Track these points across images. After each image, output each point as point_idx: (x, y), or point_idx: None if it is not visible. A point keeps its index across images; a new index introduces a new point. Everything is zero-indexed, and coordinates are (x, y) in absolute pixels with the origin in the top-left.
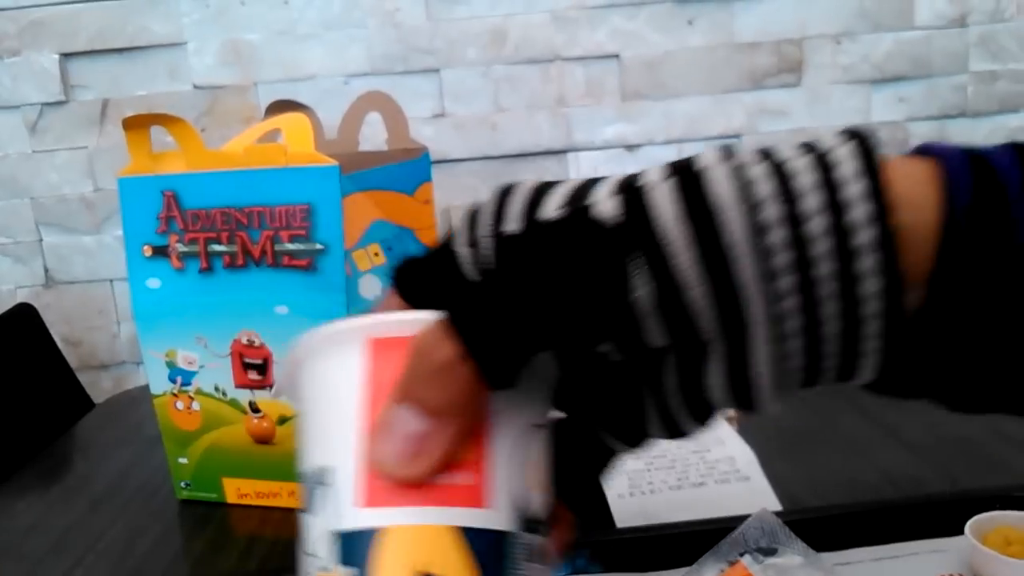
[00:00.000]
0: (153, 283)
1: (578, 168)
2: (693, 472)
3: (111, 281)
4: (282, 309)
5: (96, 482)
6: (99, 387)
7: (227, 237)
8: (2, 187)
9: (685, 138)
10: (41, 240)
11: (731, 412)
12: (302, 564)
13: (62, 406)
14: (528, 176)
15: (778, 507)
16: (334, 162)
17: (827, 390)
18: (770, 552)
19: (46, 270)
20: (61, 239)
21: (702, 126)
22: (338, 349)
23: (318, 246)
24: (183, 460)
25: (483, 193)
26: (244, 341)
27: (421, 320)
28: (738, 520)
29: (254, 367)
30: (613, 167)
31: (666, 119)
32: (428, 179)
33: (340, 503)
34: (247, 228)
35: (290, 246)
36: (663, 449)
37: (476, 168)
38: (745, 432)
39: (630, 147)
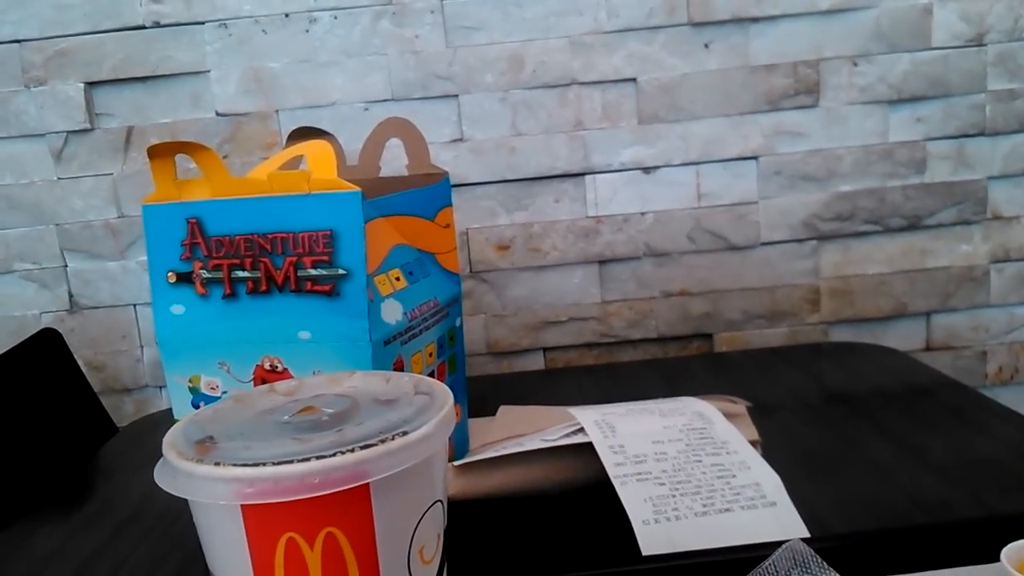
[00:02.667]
0: (177, 309)
1: (596, 190)
2: (719, 498)
3: (135, 306)
4: (305, 335)
5: (119, 507)
6: (122, 411)
7: (251, 263)
8: (28, 214)
9: (702, 159)
10: (66, 266)
11: (755, 436)
12: None
13: (86, 430)
14: (545, 199)
15: (806, 534)
16: (357, 188)
17: (851, 412)
18: None
19: (71, 295)
20: (86, 265)
21: (719, 148)
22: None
23: (341, 271)
24: None
25: (501, 216)
26: (267, 367)
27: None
28: (767, 548)
29: None
30: (630, 189)
31: (683, 141)
32: (449, 204)
33: None
34: (270, 254)
35: (313, 272)
36: (688, 474)
37: (494, 191)
38: (769, 456)
39: (647, 169)
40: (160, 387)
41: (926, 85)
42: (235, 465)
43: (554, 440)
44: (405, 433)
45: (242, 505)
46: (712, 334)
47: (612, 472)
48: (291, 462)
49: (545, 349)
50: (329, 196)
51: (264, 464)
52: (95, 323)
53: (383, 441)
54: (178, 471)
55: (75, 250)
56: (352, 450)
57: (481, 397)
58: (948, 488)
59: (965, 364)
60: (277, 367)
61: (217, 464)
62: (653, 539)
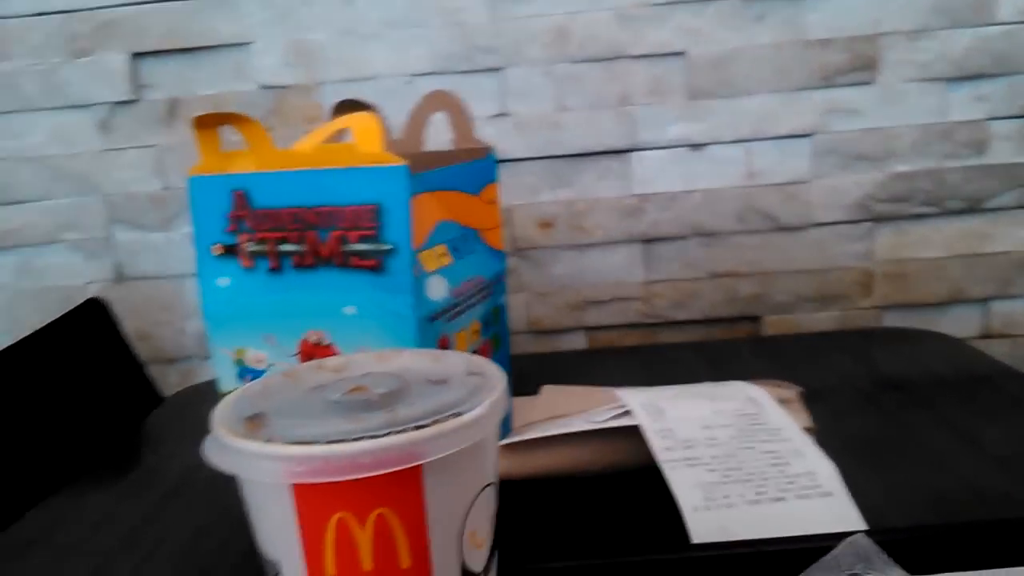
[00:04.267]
0: (223, 282)
1: (642, 167)
2: (772, 486)
3: (180, 277)
4: (350, 309)
5: (165, 477)
6: (166, 381)
7: (296, 237)
8: (74, 184)
9: (753, 137)
10: (111, 237)
11: (809, 423)
12: None
13: (132, 399)
14: (590, 176)
15: (863, 526)
16: (404, 162)
17: (906, 400)
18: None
19: (117, 266)
20: (131, 235)
21: (770, 125)
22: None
23: (386, 247)
24: None
25: (544, 193)
26: (312, 341)
27: (343, 457)
28: (822, 539)
29: None
30: (678, 167)
31: (733, 117)
32: (494, 179)
33: None
34: (316, 228)
35: (358, 246)
36: (739, 461)
37: (538, 168)
38: (822, 444)
39: (695, 146)
40: (204, 358)
41: (989, 62)
42: (286, 443)
43: (601, 422)
44: (458, 414)
45: (293, 484)
46: (760, 316)
47: (661, 456)
48: (343, 442)
49: (587, 328)
50: (375, 170)
51: (315, 443)
52: (140, 294)
53: (436, 422)
54: (228, 447)
55: (121, 221)
56: (404, 431)
57: (523, 376)
58: (1009, 480)
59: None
60: (323, 341)
61: (268, 441)
62: (704, 526)
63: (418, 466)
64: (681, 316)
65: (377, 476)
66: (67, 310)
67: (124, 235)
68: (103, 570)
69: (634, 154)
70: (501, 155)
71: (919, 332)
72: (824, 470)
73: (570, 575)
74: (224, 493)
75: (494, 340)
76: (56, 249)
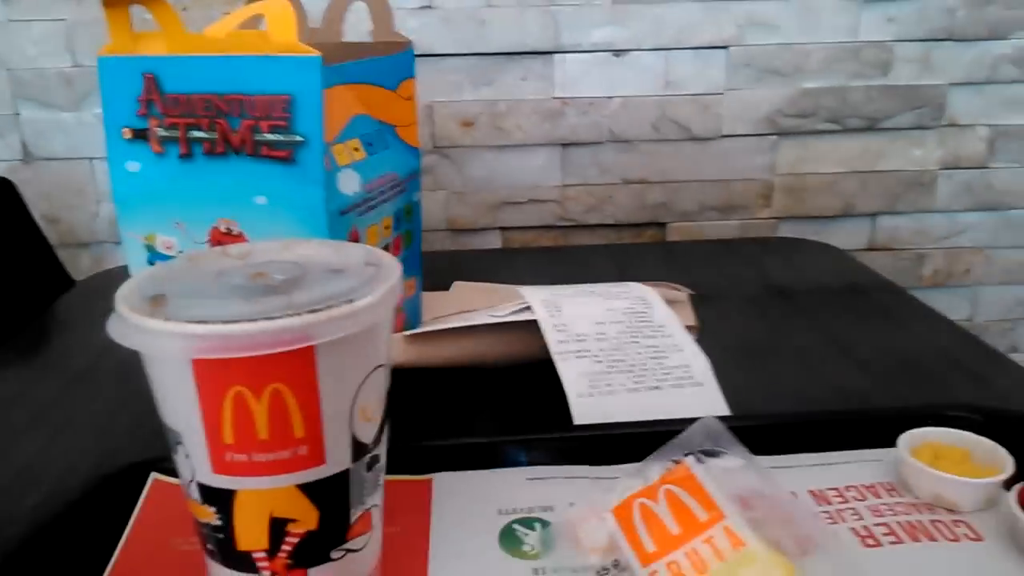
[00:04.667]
0: (133, 166)
1: (564, 70)
2: (650, 376)
3: (91, 160)
4: (261, 199)
5: (76, 359)
6: (78, 265)
7: (207, 124)
8: None
9: (673, 46)
10: (18, 114)
11: (693, 322)
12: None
13: (42, 282)
14: (513, 76)
15: (727, 412)
16: (317, 53)
17: (788, 306)
18: (712, 454)
19: (23, 145)
20: (39, 114)
21: (691, 35)
22: (170, 355)
23: (297, 138)
24: None
25: (467, 91)
26: (223, 229)
27: (241, 336)
28: (688, 424)
29: None
30: (599, 71)
31: (655, 25)
32: (411, 75)
33: (196, 464)
34: (227, 116)
35: (270, 136)
36: (624, 354)
37: (461, 65)
38: (705, 342)
39: (617, 51)
40: (118, 243)
41: None
42: (187, 322)
43: (502, 316)
44: (351, 301)
45: (192, 360)
46: (666, 223)
47: (554, 348)
48: (241, 322)
49: (503, 228)
50: (288, 60)
51: (214, 322)
52: (51, 175)
53: (329, 307)
54: (130, 325)
55: (28, 98)
56: (299, 314)
57: (438, 272)
58: (868, 381)
59: (903, 266)
60: (233, 230)
61: (168, 320)
62: (586, 410)
63: (311, 347)
64: (593, 220)
65: (272, 355)
66: None
67: (31, 113)
68: (11, 450)
69: (557, 56)
70: (424, 50)
71: (810, 243)
72: (698, 363)
73: (462, 452)
74: (133, 375)
75: (406, 236)
76: None
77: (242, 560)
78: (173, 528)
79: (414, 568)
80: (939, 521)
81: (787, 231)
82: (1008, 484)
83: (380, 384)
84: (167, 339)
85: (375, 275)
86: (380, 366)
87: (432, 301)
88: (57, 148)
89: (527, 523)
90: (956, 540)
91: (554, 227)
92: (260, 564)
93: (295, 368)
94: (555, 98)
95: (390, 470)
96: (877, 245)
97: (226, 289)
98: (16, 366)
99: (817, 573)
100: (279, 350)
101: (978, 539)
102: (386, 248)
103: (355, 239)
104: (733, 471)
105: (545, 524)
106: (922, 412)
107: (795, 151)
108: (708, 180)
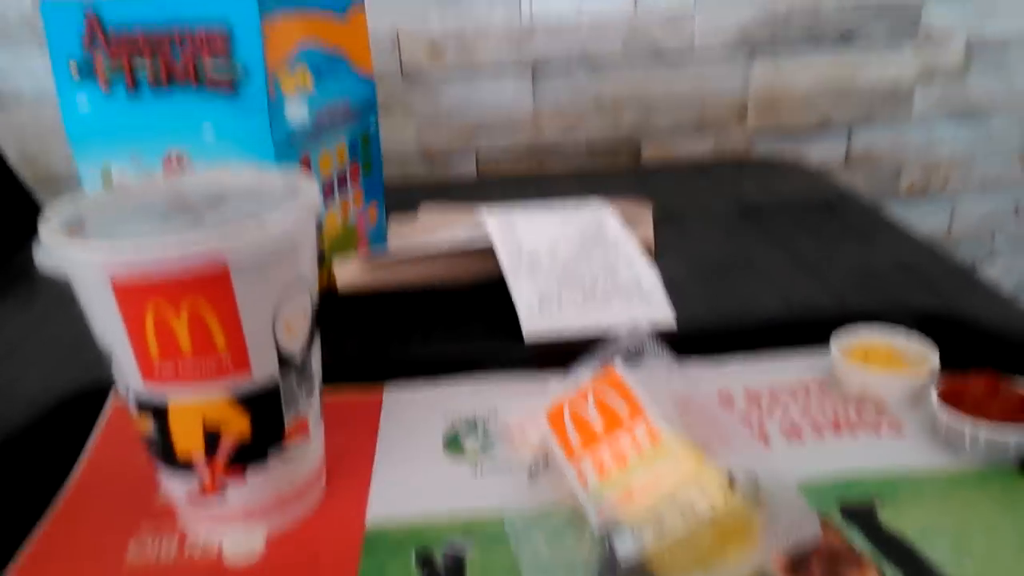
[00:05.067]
0: (84, 105)
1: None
2: (599, 290)
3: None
4: (208, 129)
5: (50, 291)
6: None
7: (150, 56)
8: None
9: None
10: None
11: (650, 235)
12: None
13: (19, 221)
14: (480, 2)
15: (672, 323)
16: None
17: (753, 225)
18: (638, 357)
19: None
20: (5, 57)
21: None
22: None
23: (239, 67)
24: None
25: (434, 17)
26: (174, 160)
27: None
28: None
29: None
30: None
31: None
32: (361, 0)
33: (129, 378)
34: (170, 47)
35: (211, 67)
36: (576, 269)
37: None
38: (666, 260)
39: None
40: None
41: None
42: (103, 245)
43: (458, 242)
44: (263, 220)
45: (111, 279)
46: (640, 144)
47: (507, 268)
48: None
49: (477, 156)
50: None
51: (129, 243)
52: (23, 116)
53: (243, 227)
54: (51, 250)
55: None
56: (208, 232)
57: (412, 202)
58: (819, 292)
59: (880, 177)
60: (184, 160)
61: (84, 241)
62: (535, 325)
63: (225, 263)
64: (568, 143)
65: (188, 271)
66: None
67: None
68: None
69: None
70: None
71: (784, 164)
72: (647, 277)
73: (414, 364)
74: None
75: (365, 166)
76: None
77: (182, 464)
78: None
79: (358, 471)
80: (864, 416)
81: (763, 148)
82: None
83: (304, 299)
84: (84, 259)
85: (292, 197)
86: (301, 281)
87: (399, 227)
88: (27, 90)
89: (469, 429)
90: (878, 434)
91: (528, 152)
92: (199, 465)
93: (211, 285)
94: (523, 23)
95: (348, 380)
96: (855, 158)
97: (143, 214)
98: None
99: (728, 463)
100: (190, 265)
101: (899, 432)
102: (343, 176)
103: (307, 167)
104: (656, 372)
105: (486, 430)
106: (859, 314)
107: (769, 67)
108: (682, 99)
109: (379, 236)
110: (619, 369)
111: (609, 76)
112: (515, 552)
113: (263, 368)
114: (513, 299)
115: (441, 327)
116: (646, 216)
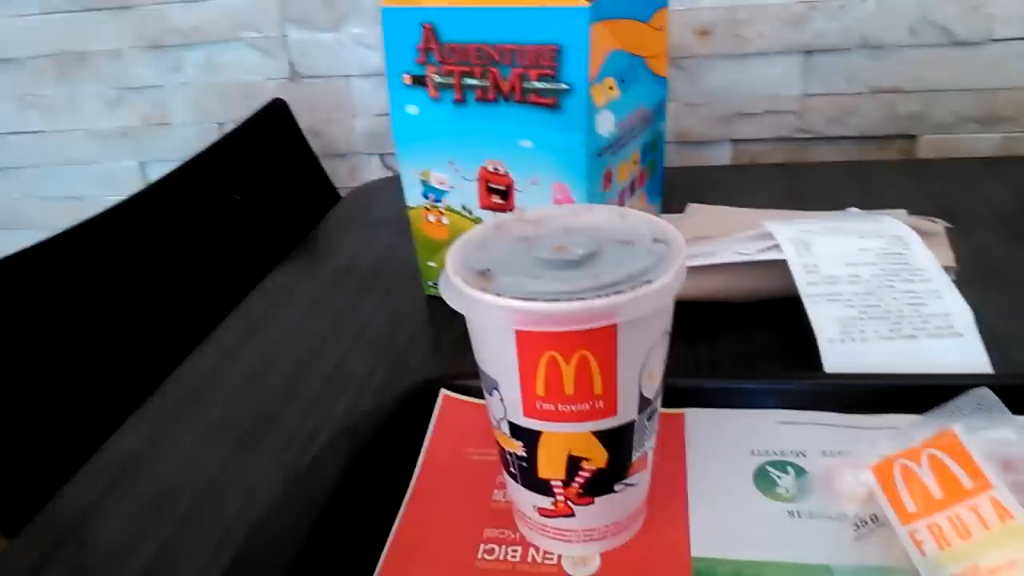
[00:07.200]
0: (412, 109)
1: None
2: (906, 324)
3: (347, 77)
4: (526, 143)
5: (360, 268)
6: (336, 174)
7: (480, 72)
8: None
9: None
10: (286, 36)
11: (951, 262)
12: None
13: (313, 193)
14: None
15: (989, 370)
16: (585, 3)
17: None
18: (983, 426)
19: (291, 64)
20: (304, 35)
21: None
22: (496, 324)
23: (564, 86)
24: (432, 264)
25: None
26: (490, 168)
27: (560, 314)
28: (950, 378)
29: (498, 192)
30: None
31: None
32: (665, 4)
33: (509, 407)
34: (499, 64)
35: (537, 84)
36: (879, 298)
37: None
38: (962, 281)
39: None
40: (370, 154)
41: None
42: (514, 298)
43: (749, 255)
44: (649, 281)
45: (515, 327)
46: (916, 136)
47: (804, 291)
48: (558, 300)
49: (734, 141)
50: (557, 10)
51: (536, 299)
52: (314, 92)
53: (632, 287)
54: (465, 295)
55: (294, 20)
56: (607, 295)
57: (669, 189)
58: None
59: None
60: (499, 170)
61: (498, 295)
62: (837, 358)
63: (615, 323)
64: (834, 132)
65: (582, 326)
66: (250, 107)
67: (297, 34)
68: (321, 354)
69: None
70: None
71: None
72: (960, 312)
73: (712, 391)
74: (407, 289)
75: (651, 167)
76: (236, 47)
77: (542, 485)
78: (465, 439)
79: (675, 500)
80: None
81: None
82: None
83: (664, 348)
84: (496, 311)
85: (665, 253)
86: (666, 332)
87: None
88: (319, 66)
89: (780, 466)
90: None
91: (791, 139)
92: (556, 490)
93: (599, 339)
94: (802, 1)
95: None
96: None
97: (537, 264)
98: (312, 274)
99: None
100: (589, 326)
101: None
102: (632, 183)
103: (609, 177)
104: (1002, 442)
105: (799, 469)
106: None
107: None
108: (970, 89)
109: None
110: (962, 436)
111: (891, 60)
112: None
113: (627, 410)
114: (813, 326)
115: (730, 346)
116: (940, 235)
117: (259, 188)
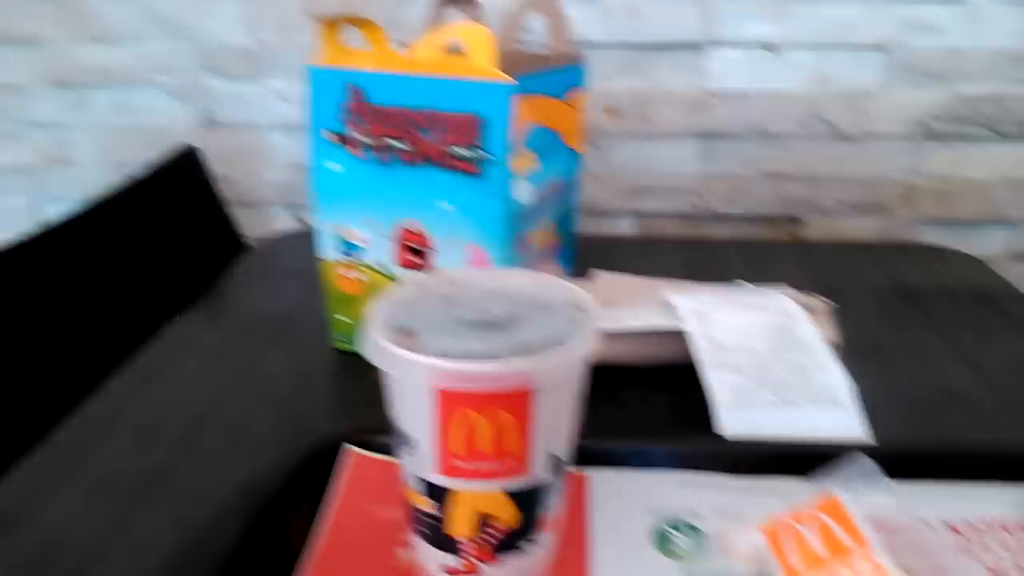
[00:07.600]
0: (333, 166)
1: (716, 63)
2: (793, 393)
3: (263, 128)
4: (446, 205)
5: (265, 320)
6: (247, 224)
7: (404, 135)
8: (170, 28)
9: (831, 44)
10: (201, 83)
11: (836, 338)
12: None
13: (221, 241)
14: (664, 67)
15: (867, 439)
16: (510, 80)
17: (920, 315)
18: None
19: (205, 112)
20: (220, 84)
21: (849, 34)
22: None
23: (486, 155)
24: (343, 318)
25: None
26: (408, 228)
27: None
28: (829, 447)
29: (415, 251)
30: (750, 66)
31: (814, 23)
32: (581, 84)
33: (423, 464)
34: (423, 130)
35: (460, 151)
36: (769, 368)
37: (614, 55)
38: (845, 360)
39: (770, 47)
40: (281, 205)
41: None
42: (437, 357)
43: (655, 325)
44: (568, 346)
45: (435, 387)
46: (803, 219)
47: (702, 359)
48: (477, 360)
49: (639, 214)
50: (483, 84)
51: (456, 359)
52: (228, 140)
53: (551, 351)
54: (387, 352)
55: (212, 69)
56: (528, 357)
57: (578, 255)
58: (1003, 405)
59: None
60: (417, 230)
61: (421, 354)
62: (732, 422)
63: (531, 385)
64: (730, 211)
65: (500, 388)
66: (162, 153)
67: (215, 82)
68: (220, 406)
69: (709, 48)
70: (582, 39)
71: (948, 251)
72: (841, 384)
73: (614, 453)
74: (318, 338)
75: (564, 235)
76: (146, 90)
77: (450, 544)
78: (369, 496)
79: (576, 559)
80: None
81: (927, 234)
82: None
83: (576, 410)
84: (416, 368)
85: (580, 318)
86: (579, 395)
87: None
88: (235, 116)
89: (677, 526)
90: None
91: (689, 216)
92: (463, 549)
93: (516, 398)
94: (704, 90)
95: None
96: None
97: (459, 324)
98: (218, 325)
99: None
100: (508, 387)
101: None
102: (546, 249)
103: (524, 243)
104: (879, 506)
105: (695, 530)
106: None
107: (945, 155)
108: (851, 178)
109: None
110: (844, 501)
111: (782, 149)
112: None
113: (538, 470)
114: (710, 393)
115: (631, 410)
116: (823, 312)
117: (164, 235)
